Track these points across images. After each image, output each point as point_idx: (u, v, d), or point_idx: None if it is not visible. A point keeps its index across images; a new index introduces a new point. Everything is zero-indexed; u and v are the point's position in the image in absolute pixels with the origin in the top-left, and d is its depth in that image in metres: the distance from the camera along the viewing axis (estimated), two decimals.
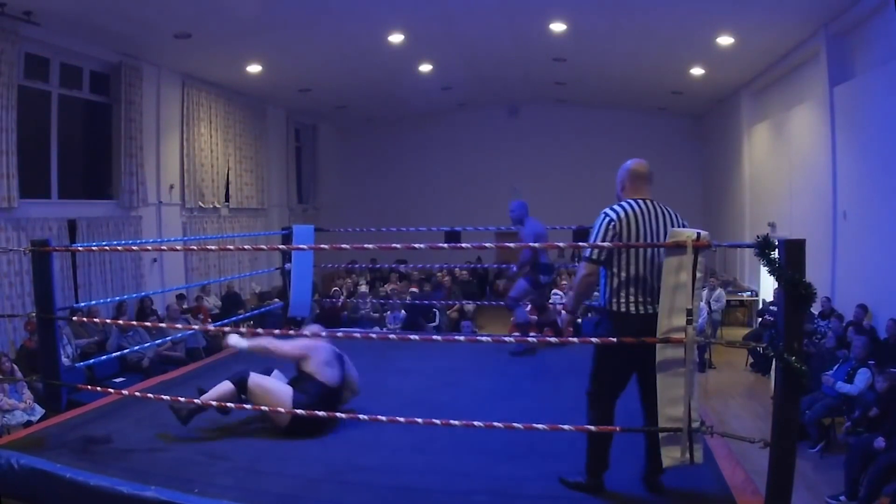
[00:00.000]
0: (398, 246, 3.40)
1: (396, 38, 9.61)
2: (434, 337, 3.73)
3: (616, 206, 2.89)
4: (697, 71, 11.18)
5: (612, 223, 2.82)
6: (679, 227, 2.87)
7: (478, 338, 3.89)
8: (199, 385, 3.94)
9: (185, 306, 9.52)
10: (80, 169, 9.26)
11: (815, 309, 8.19)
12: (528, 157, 16.01)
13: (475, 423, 3.03)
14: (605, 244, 2.83)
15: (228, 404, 3.50)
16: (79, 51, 8.44)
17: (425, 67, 11.64)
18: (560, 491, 2.96)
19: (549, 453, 3.27)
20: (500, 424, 3.02)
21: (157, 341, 7.34)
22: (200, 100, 10.82)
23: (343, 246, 3.51)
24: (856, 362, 6.28)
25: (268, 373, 3.87)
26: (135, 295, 8.71)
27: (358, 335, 4.38)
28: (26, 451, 3.27)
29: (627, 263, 2.81)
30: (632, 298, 2.82)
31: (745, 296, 11.79)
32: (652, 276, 2.82)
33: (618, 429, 2.87)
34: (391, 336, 3.82)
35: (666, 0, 8.06)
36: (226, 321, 7.95)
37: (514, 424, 3.00)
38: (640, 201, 2.88)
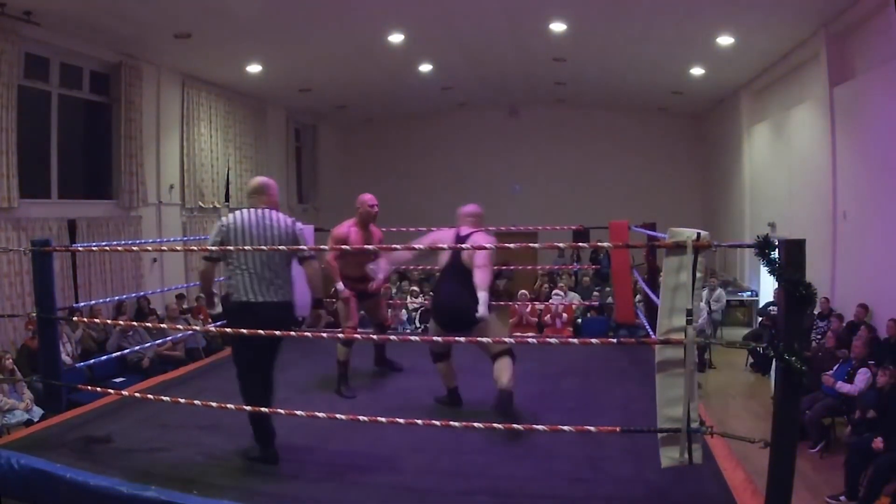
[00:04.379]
0: (398, 247, 3.41)
1: (396, 38, 9.61)
2: (435, 338, 3.73)
3: (229, 215, 3.53)
4: (697, 71, 11.18)
5: (222, 227, 3.48)
6: (289, 231, 3.49)
7: (478, 338, 3.88)
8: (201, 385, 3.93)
9: (184, 306, 9.52)
10: (80, 169, 9.25)
11: (815, 309, 8.19)
12: (528, 158, 16.00)
13: (475, 423, 3.04)
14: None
15: None
16: (79, 51, 8.43)
17: (425, 67, 11.64)
18: (560, 491, 2.96)
19: (549, 453, 3.27)
20: (500, 425, 3.02)
21: (156, 341, 7.35)
22: (200, 100, 10.82)
23: (343, 246, 3.50)
24: (856, 362, 6.28)
25: None
26: (133, 294, 8.71)
27: (358, 336, 4.38)
28: (26, 451, 3.26)
29: (239, 261, 3.38)
30: (249, 288, 3.34)
31: (745, 296, 11.79)
32: (265, 270, 3.36)
33: (619, 429, 2.87)
34: (392, 337, 3.81)
35: (666, 0, 8.06)
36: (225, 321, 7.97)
37: (514, 425, 3.00)
38: (252, 210, 3.54)
